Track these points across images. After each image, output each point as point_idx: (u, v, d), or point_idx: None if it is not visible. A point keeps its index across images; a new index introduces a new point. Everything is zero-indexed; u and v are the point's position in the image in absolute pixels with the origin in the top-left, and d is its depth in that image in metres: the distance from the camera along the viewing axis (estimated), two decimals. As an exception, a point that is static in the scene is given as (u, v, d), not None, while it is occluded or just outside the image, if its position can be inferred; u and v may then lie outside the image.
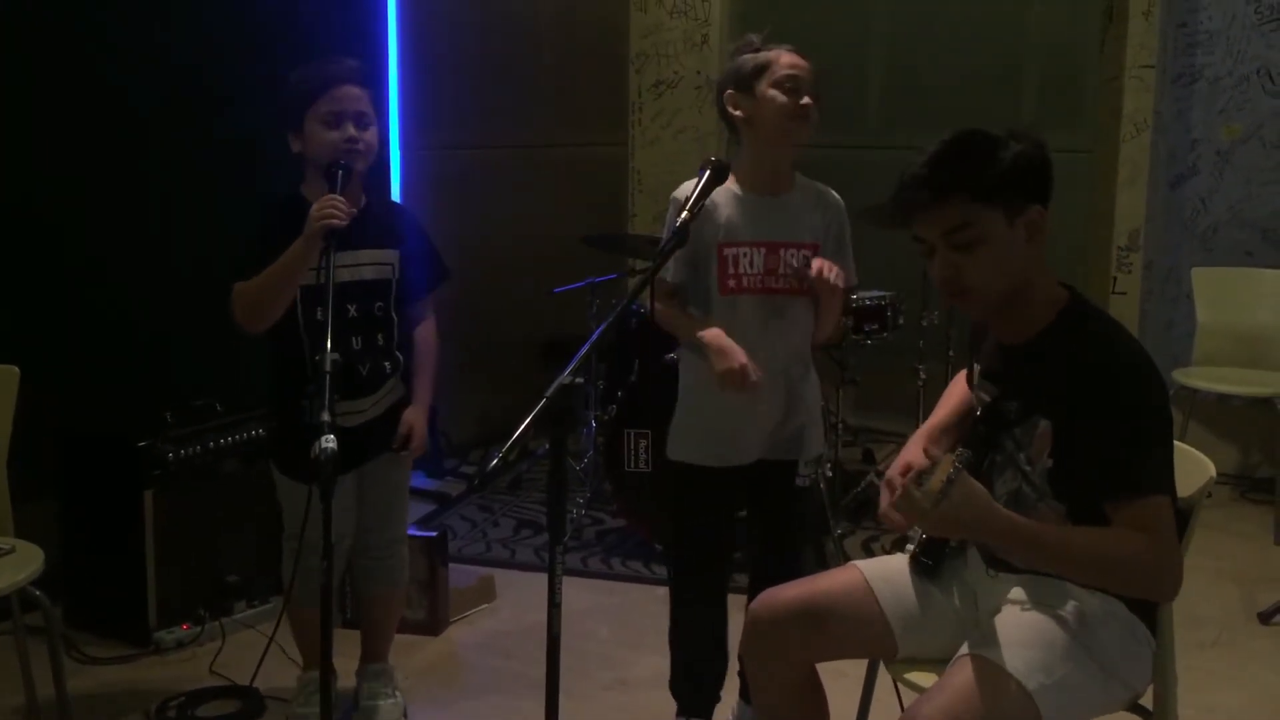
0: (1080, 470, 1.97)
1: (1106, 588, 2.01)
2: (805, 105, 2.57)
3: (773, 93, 2.57)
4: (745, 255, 2.61)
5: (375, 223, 2.82)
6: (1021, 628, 2.03)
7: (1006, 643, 1.99)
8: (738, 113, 2.63)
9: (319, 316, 2.65)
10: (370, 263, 2.80)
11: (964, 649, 2.01)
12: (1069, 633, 2.00)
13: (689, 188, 2.60)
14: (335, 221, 2.52)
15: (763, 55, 2.60)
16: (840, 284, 2.60)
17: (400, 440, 2.87)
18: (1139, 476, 1.91)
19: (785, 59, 2.59)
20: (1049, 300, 2.05)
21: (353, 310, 2.77)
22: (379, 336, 2.83)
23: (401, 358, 2.89)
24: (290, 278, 2.62)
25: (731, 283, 2.62)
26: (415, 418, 2.89)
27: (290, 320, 2.69)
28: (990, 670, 1.95)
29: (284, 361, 2.73)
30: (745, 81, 2.60)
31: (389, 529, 2.99)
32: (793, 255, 2.63)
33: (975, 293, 2.02)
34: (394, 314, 2.85)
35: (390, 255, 2.83)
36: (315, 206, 2.55)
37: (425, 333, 2.95)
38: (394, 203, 2.96)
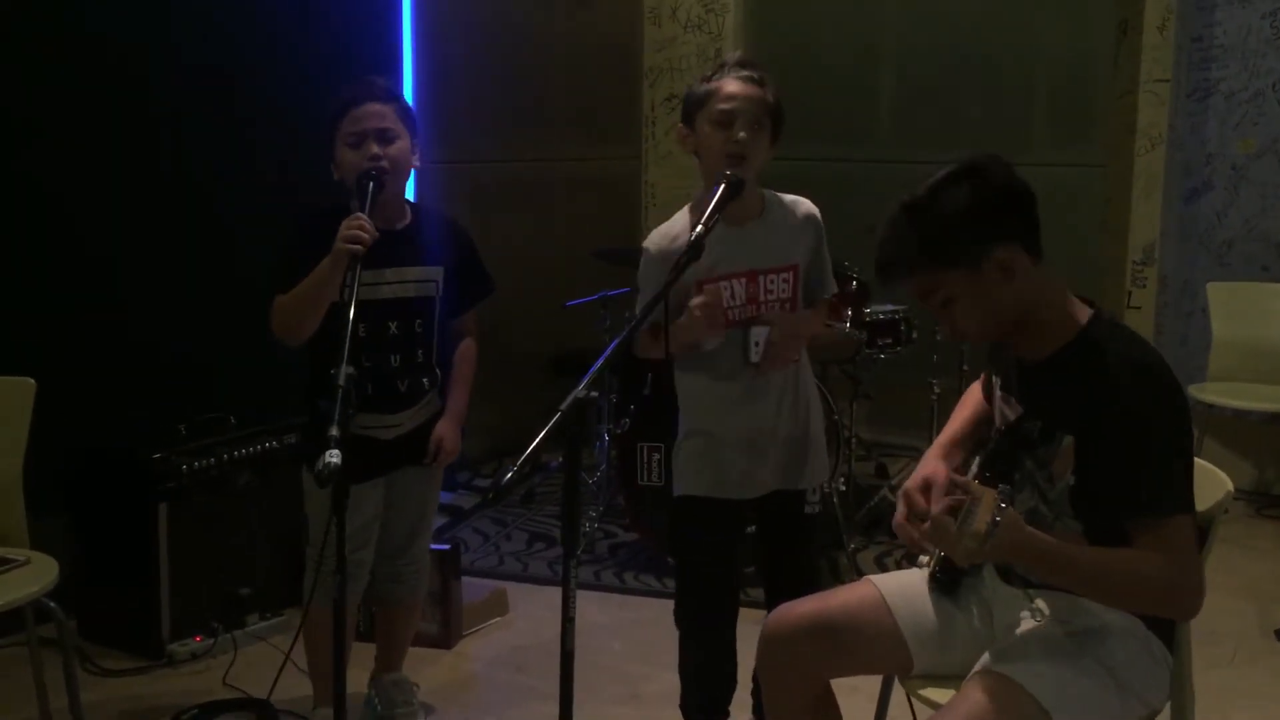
0: (1102, 488, 1.96)
1: (1131, 608, 2.00)
2: (737, 142, 2.46)
3: (708, 129, 2.50)
4: (726, 288, 2.56)
5: (421, 239, 2.82)
6: (1039, 644, 2.02)
7: (1024, 659, 1.98)
8: (687, 147, 2.58)
9: (360, 332, 2.67)
10: (414, 280, 2.80)
11: (980, 664, 2.00)
12: (1087, 649, 1.99)
13: (662, 235, 2.61)
14: (358, 247, 2.50)
15: (705, 86, 2.52)
16: (793, 354, 2.61)
17: (431, 454, 2.88)
18: (1163, 496, 1.90)
19: (726, 89, 2.49)
20: (1068, 317, 2.04)
21: (393, 328, 2.78)
22: (419, 353, 2.83)
23: (440, 373, 2.89)
24: (319, 296, 2.61)
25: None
26: (446, 430, 2.89)
27: (335, 331, 2.67)
28: (1007, 687, 1.94)
29: (324, 370, 2.71)
30: (689, 114, 2.54)
31: (415, 540, 3.00)
32: (772, 281, 2.59)
33: (974, 335, 2.07)
34: (435, 330, 2.85)
35: (434, 272, 2.83)
36: (343, 226, 2.54)
37: (465, 346, 2.96)
38: (444, 217, 2.95)
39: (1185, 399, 1.98)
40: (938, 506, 1.89)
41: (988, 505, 1.79)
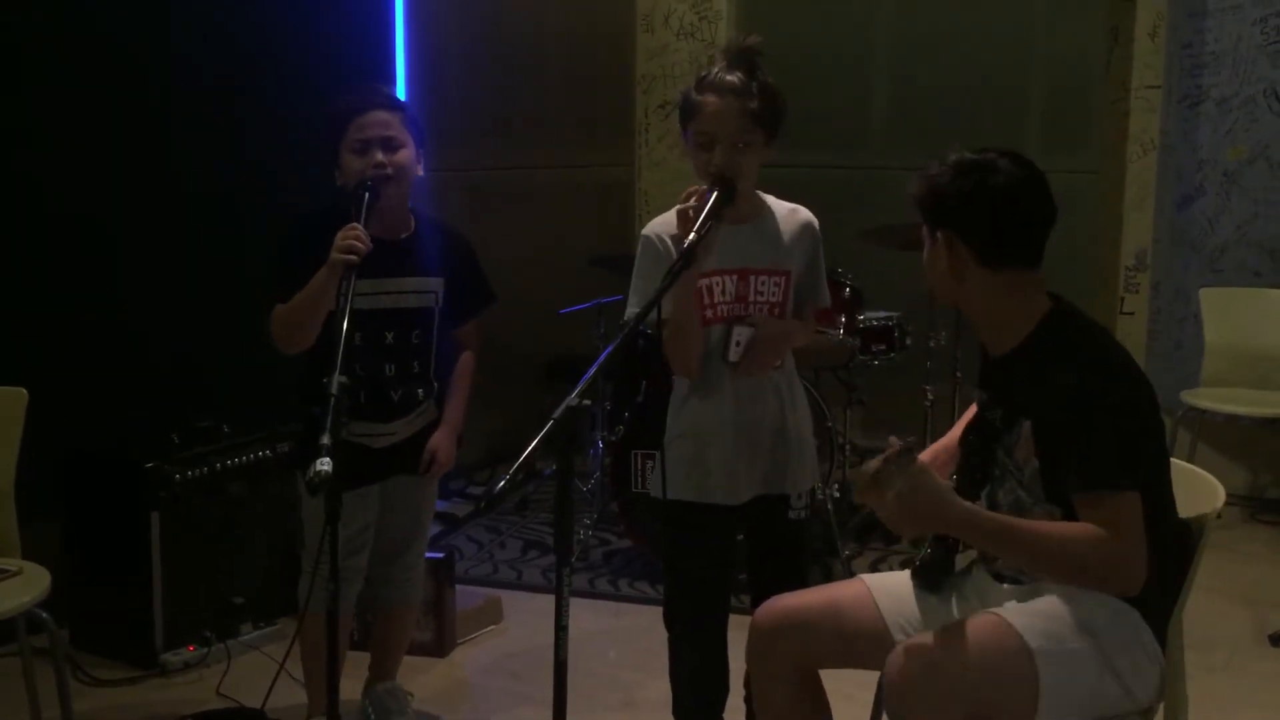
0: (1055, 467, 2.00)
1: (1069, 581, 2.02)
2: (716, 165, 2.44)
3: (693, 148, 2.51)
4: (718, 284, 2.55)
5: (422, 250, 2.82)
6: (1034, 602, 2.06)
7: (1017, 607, 2.03)
8: (686, 150, 2.57)
9: (357, 340, 2.67)
10: (414, 290, 2.80)
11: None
12: (1077, 618, 2.01)
13: (661, 224, 2.59)
14: (353, 258, 2.50)
15: (692, 98, 2.51)
16: (774, 359, 2.60)
17: (424, 464, 2.88)
18: (1102, 473, 1.94)
19: (707, 109, 2.47)
20: (1030, 313, 2.10)
21: (390, 337, 2.78)
22: (414, 363, 2.83)
23: (437, 384, 2.89)
24: (316, 306, 2.60)
25: (709, 313, 2.57)
26: (441, 440, 2.89)
27: (331, 340, 2.66)
28: (994, 621, 1.99)
29: (319, 378, 2.71)
30: (682, 122, 2.55)
31: (410, 546, 3.00)
32: (763, 282, 2.59)
33: (928, 282, 2.19)
34: (433, 341, 2.85)
35: (434, 283, 2.83)
36: (338, 236, 2.54)
37: (465, 358, 2.96)
38: (446, 227, 2.95)
39: (1135, 380, 2.03)
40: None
41: (889, 453, 1.92)
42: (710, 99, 2.48)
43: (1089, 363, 2.01)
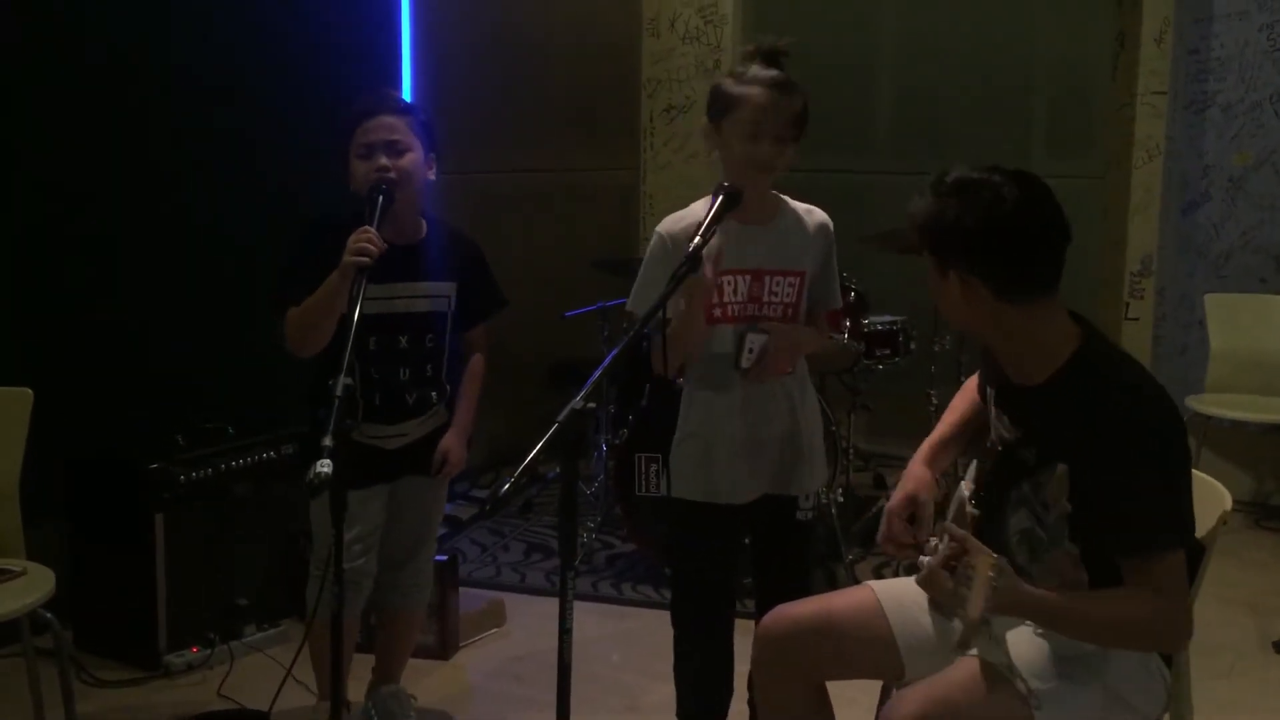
0: (1093, 522, 1.97)
1: (1121, 648, 2.00)
2: (765, 155, 2.46)
3: (734, 140, 2.49)
4: (730, 283, 2.55)
5: (435, 254, 2.83)
6: (1026, 638, 2.05)
7: (1011, 643, 2.01)
8: (710, 144, 2.57)
9: (371, 345, 2.68)
10: (426, 295, 2.81)
11: (974, 650, 2.03)
12: (1074, 651, 2.01)
13: (675, 221, 2.59)
14: (365, 260, 2.50)
15: (735, 90, 2.49)
16: (785, 366, 2.60)
17: (436, 465, 2.89)
18: (1148, 535, 1.90)
19: (754, 100, 2.46)
20: (1057, 343, 2.02)
21: (403, 341, 2.79)
22: (428, 367, 2.84)
23: (449, 386, 2.90)
24: (329, 308, 2.59)
25: (717, 312, 2.56)
26: (452, 442, 2.90)
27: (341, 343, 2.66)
28: (984, 666, 1.97)
29: (327, 380, 2.70)
30: (716, 114, 2.53)
31: (419, 551, 3.01)
32: (777, 283, 2.59)
33: (941, 310, 2.12)
34: (445, 344, 2.86)
35: (447, 288, 2.84)
36: (351, 239, 2.54)
37: (475, 362, 2.97)
38: (457, 232, 2.96)
39: (1177, 425, 1.97)
40: (936, 558, 1.93)
41: (981, 584, 1.83)
42: (758, 90, 2.47)
43: (1132, 418, 1.92)
